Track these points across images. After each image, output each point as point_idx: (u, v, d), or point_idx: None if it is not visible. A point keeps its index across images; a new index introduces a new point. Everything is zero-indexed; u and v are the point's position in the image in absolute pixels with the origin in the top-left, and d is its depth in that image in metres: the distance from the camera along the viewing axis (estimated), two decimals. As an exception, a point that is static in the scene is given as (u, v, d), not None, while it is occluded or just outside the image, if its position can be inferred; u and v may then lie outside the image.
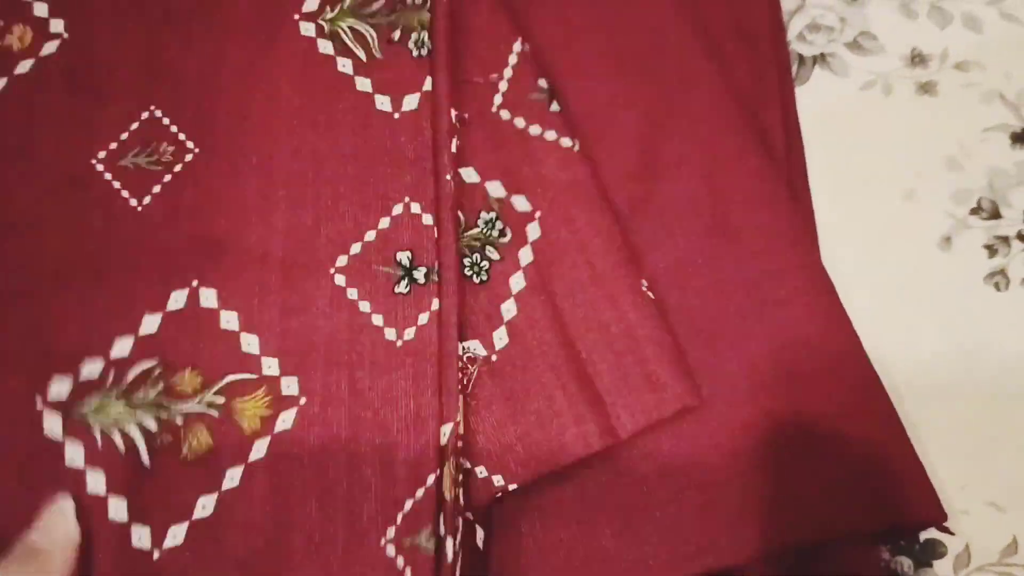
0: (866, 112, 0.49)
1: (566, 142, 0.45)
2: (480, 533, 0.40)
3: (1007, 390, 0.43)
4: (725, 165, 0.45)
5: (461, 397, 0.39)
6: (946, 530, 0.40)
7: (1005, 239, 0.46)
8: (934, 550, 0.40)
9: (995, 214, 0.46)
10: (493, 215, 0.43)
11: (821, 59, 0.51)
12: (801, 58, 0.51)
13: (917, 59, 0.50)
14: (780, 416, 0.40)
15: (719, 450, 0.40)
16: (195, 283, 0.41)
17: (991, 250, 0.45)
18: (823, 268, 0.44)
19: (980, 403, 0.43)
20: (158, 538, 0.38)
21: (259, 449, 0.39)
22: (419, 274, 0.41)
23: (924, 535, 0.41)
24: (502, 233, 0.43)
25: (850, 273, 0.44)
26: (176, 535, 0.38)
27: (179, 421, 0.39)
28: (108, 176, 0.43)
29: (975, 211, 0.46)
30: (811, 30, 0.52)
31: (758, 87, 0.49)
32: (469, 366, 0.41)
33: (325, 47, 0.45)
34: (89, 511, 0.38)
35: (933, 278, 0.45)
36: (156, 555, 0.38)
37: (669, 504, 0.40)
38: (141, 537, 0.38)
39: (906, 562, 0.40)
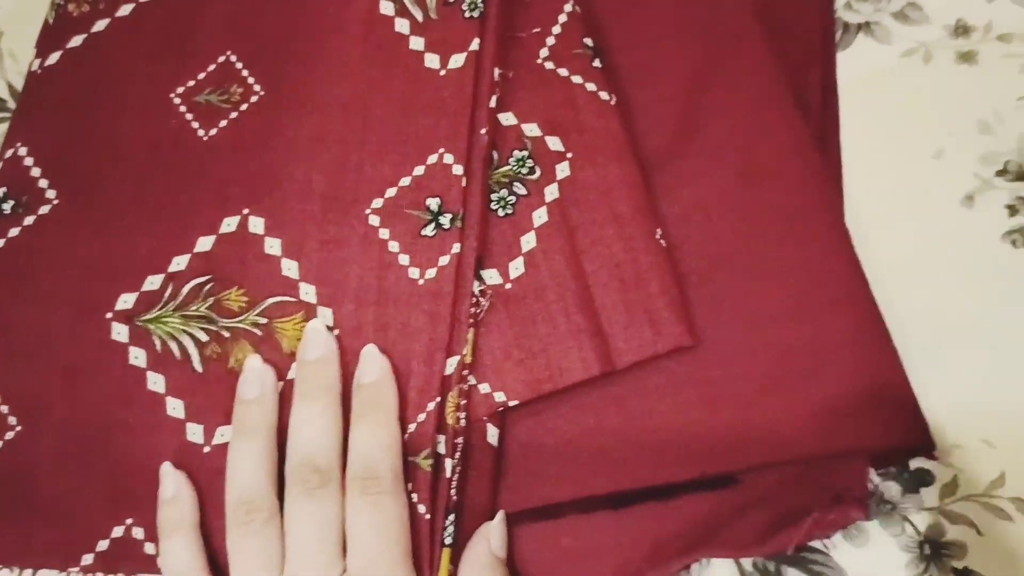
0: (903, 76, 0.50)
1: (604, 95, 0.47)
2: (493, 431, 0.43)
3: (1014, 338, 0.43)
4: (759, 117, 0.47)
5: (472, 329, 0.42)
6: (934, 457, 0.41)
7: (1028, 200, 0.47)
8: (922, 479, 0.41)
9: (1020, 176, 0.46)
10: (525, 153, 0.46)
11: (866, 27, 0.52)
12: (846, 25, 0.52)
13: (961, 30, 0.51)
14: (783, 343, 0.42)
15: (722, 370, 0.43)
16: (246, 211, 0.46)
17: (1012, 209, 0.46)
18: (841, 214, 0.45)
19: (986, 349, 0.43)
20: (209, 436, 0.43)
21: (295, 369, 0.43)
22: (445, 219, 0.44)
23: (914, 463, 0.42)
24: (532, 171, 0.46)
25: (874, 222, 0.46)
26: (224, 434, 0.42)
27: (226, 334, 0.44)
28: (183, 109, 0.49)
29: (1001, 172, 0.47)
30: (859, 0, 0.53)
31: (802, 49, 0.50)
32: (482, 299, 0.43)
33: (387, 8, 0.49)
34: (151, 403, 0.43)
35: (953, 232, 0.46)
36: (207, 449, 0.42)
37: (669, 415, 0.42)
38: (195, 433, 0.43)
39: (894, 487, 0.41)
